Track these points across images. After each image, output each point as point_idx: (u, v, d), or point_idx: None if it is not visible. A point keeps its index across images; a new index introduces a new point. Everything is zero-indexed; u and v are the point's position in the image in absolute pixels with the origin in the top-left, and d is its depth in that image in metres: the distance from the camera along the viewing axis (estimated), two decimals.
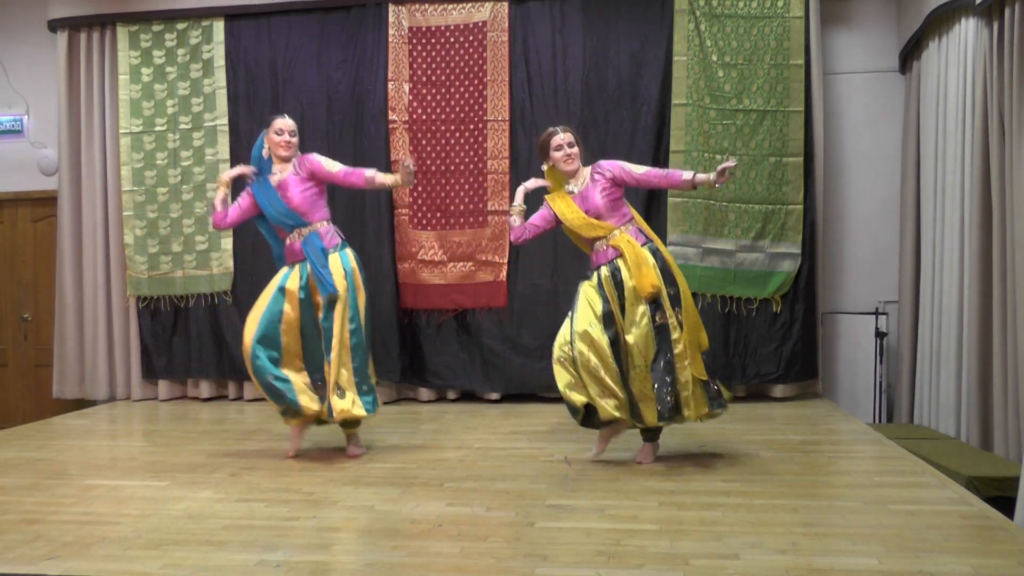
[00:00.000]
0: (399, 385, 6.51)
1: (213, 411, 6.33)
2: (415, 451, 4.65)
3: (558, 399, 6.14)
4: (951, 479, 3.82)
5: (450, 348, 6.43)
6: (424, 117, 6.42)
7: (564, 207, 4.31)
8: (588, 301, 4.17)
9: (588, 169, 4.35)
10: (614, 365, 4.06)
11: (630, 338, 4.04)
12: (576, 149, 4.30)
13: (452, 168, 6.39)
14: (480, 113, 6.36)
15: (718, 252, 6.12)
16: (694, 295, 6.06)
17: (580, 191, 4.30)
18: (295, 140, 4.54)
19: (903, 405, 5.97)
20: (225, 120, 6.62)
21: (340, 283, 4.37)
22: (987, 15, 4.78)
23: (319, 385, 4.46)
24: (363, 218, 6.40)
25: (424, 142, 6.42)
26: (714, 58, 6.11)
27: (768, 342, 6.10)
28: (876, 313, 6.08)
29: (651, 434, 4.25)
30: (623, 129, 6.21)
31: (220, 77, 6.63)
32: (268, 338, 4.41)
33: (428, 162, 6.41)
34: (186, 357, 6.76)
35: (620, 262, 4.16)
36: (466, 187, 6.37)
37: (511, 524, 3.23)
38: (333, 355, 4.30)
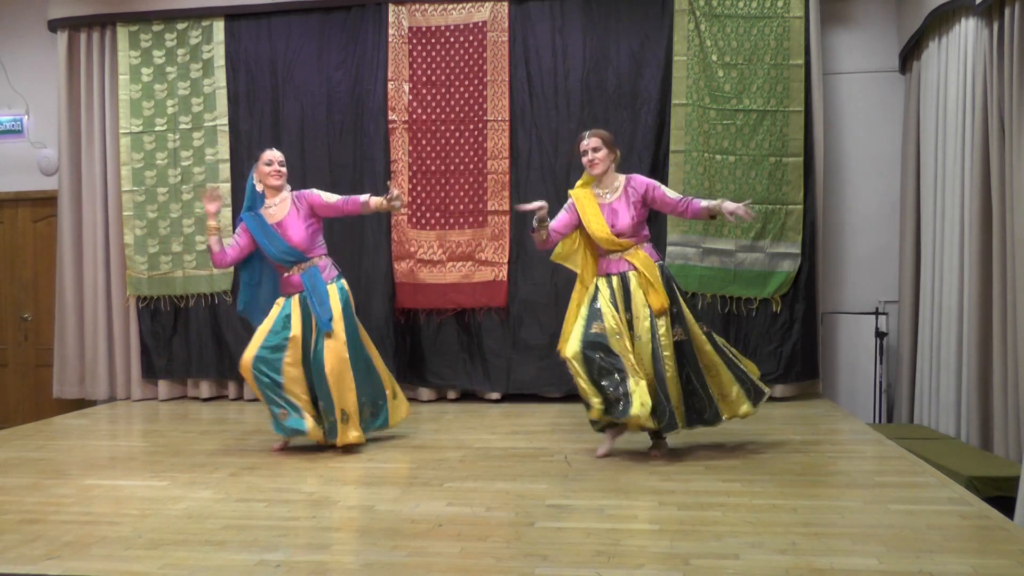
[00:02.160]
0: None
1: (213, 411, 6.33)
2: (415, 451, 4.65)
3: (558, 399, 6.20)
4: (951, 479, 3.81)
5: (450, 348, 6.43)
6: (424, 117, 6.42)
7: (591, 215, 4.33)
8: (604, 307, 4.22)
9: (623, 179, 4.37)
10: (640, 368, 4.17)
11: (638, 347, 4.16)
12: (602, 153, 4.32)
13: (452, 168, 6.39)
14: (480, 113, 6.36)
15: (718, 252, 6.12)
16: (694, 295, 6.12)
17: (611, 203, 4.32)
18: (284, 170, 4.65)
19: (903, 405, 5.97)
20: (225, 120, 6.62)
21: (337, 313, 4.53)
22: (987, 15, 4.78)
23: (321, 413, 4.60)
24: (361, 218, 6.39)
25: (424, 142, 6.42)
26: (714, 58, 6.11)
27: (768, 342, 6.09)
28: (876, 313, 6.08)
29: (659, 434, 4.33)
30: (623, 129, 6.21)
31: (220, 77, 6.63)
32: (269, 363, 4.52)
33: (428, 162, 6.41)
34: (186, 357, 6.76)
35: (632, 275, 4.24)
36: (466, 187, 6.37)
37: (511, 524, 3.23)
38: (331, 384, 4.46)
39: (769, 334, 6.10)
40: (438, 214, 6.41)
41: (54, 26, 6.90)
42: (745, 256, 6.11)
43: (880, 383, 5.96)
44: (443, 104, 6.42)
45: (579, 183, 4.47)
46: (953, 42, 5.30)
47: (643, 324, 4.17)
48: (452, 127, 6.40)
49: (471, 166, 6.37)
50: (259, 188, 4.63)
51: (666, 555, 2.82)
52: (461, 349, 6.43)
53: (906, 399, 5.94)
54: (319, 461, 4.42)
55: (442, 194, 6.41)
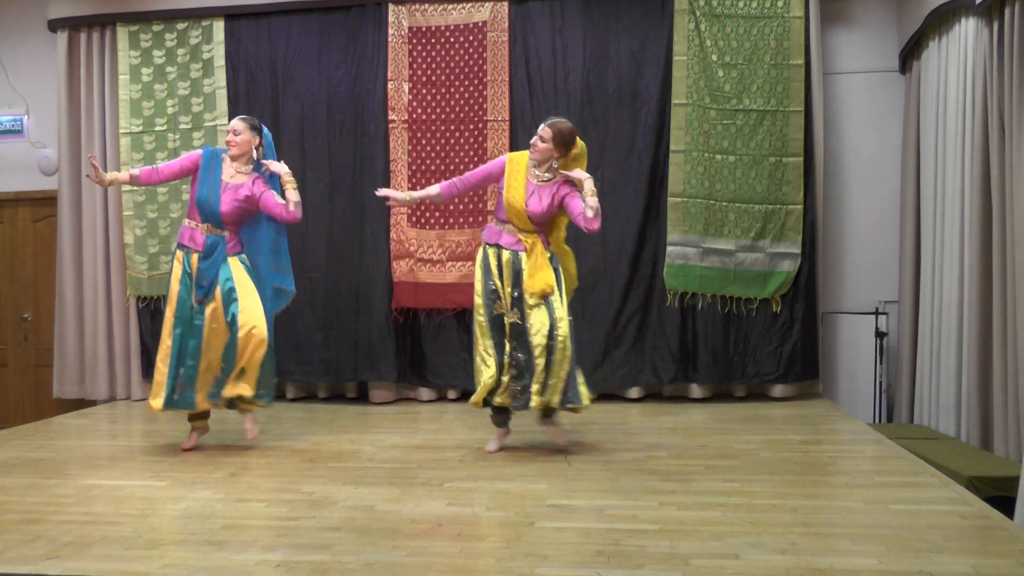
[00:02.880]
0: (399, 385, 6.50)
1: (213, 411, 6.31)
2: (415, 451, 4.65)
3: None
4: (951, 479, 3.82)
5: (450, 348, 6.43)
6: (424, 117, 6.42)
7: (515, 182, 4.44)
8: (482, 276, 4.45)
9: (559, 178, 4.42)
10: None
11: (529, 319, 4.30)
12: (545, 146, 4.38)
13: (452, 168, 6.38)
14: (480, 113, 6.36)
15: (718, 252, 6.12)
16: (694, 295, 6.13)
17: (537, 185, 4.42)
18: (238, 139, 4.68)
19: (903, 405, 5.98)
20: (225, 120, 6.60)
21: (244, 277, 4.61)
22: (987, 15, 4.78)
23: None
24: (362, 217, 6.41)
25: (424, 142, 6.42)
26: (714, 58, 6.11)
27: (768, 342, 6.09)
28: (876, 313, 6.08)
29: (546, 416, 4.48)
30: (623, 129, 6.21)
31: (220, 77, 6.63)
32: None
33: (428, 162, 6.41)
34: None
35: (523, 255, 4.38)
36: None
37: (511, 524, 3.23)
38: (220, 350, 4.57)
39: (769, 334, 6.10)
40: (437, 214, 6.41)
41: (54, 26, 6.90)
42: (745, 256, 6.10)
43: (880, 383, 5.96)
44: (443, 104, 6.42)
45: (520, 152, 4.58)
46: (953, 42, 5.30)
47: (533, 299, 4.31)
48: (452, 127, 6.40)
49: (471, 166, 6.35)
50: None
51: (666, 555, 2.82)
52: (461, 349, 6.42)
53: (906, 399, 5.94)
54: (319, 461, 4.42)
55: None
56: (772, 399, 6.17)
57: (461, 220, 6.38)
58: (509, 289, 4.37)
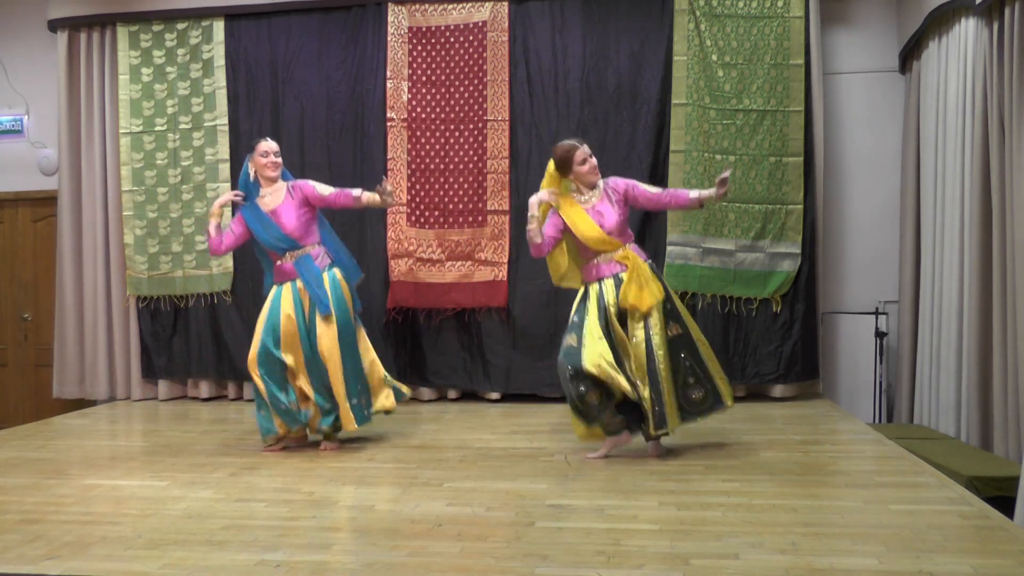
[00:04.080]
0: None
1: (213, 411, 6.33)
2: (415, 451, 4.65)
3: (558, 399, 6.18)
4: (951, 479, 3.81)
5: (450, 347, 6.43)
6: (423, 116, 6.42)
7: (577, 219, 4.31)
8: (594, 325, 4.23)
9: (600, 182, 4.38)
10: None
11: (633, 348, 4.17)
12: (593, 161, 4.35)
13: (451, 167, 6.39)
14: (480, 113, 6.36)
15: (718, 252, 6.12)
16: (694, 295, 6.13)
17: (595, 205, 4.33)
18: (280, 160, 4.72)
19: (903, 405, 5.97)
20: (225, 120, 6.62)
21: (330, 302, 4.60)
22: (987, 15, 4.78)
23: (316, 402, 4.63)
24: (361, 217, 6.40)
25: (423, 141, 6.42)
26: (714, 58, 6.11)
27: (768, 342, 6.09)
28: (876, 313, 6.08)
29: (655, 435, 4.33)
30: (623, 129, 6.21)
31: (220, 77, 6.63)
32: (268, 356, 4.57)
33: (427, 161, 6.41)
34: (186, 357, 6.76)
35: (624, 275, 4.23)
36: (465, 186, 6.37)
37: (511, 524, 3.23)
38: (330, 369, 4.54)
39: (769, 334, 6.09)
40: (437, 213, 6.41)
41: (54, 26, 6.90)
42: (745, 256, 6.10)
43: (880, 383, 5.96)
44: (443, 103, 6.42)
45: (548, 187, 4.39)
46: (953, 42, 5.30)
47: (637, 324, 4.18)
48: (452, 126, 6.40)
49: (471, 165, 6.37)
50: (252, 178, 4.70)
51: (666, 555, 2.82)
52: (461, 349, 6.43)
53: (906, 399, 5.94)
54: (319, 461, 4.42)
55: (441, 193, 6.40)
56: (772, 399, 6.17)
57: (460, 219, 6.38)
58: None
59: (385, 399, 4.78)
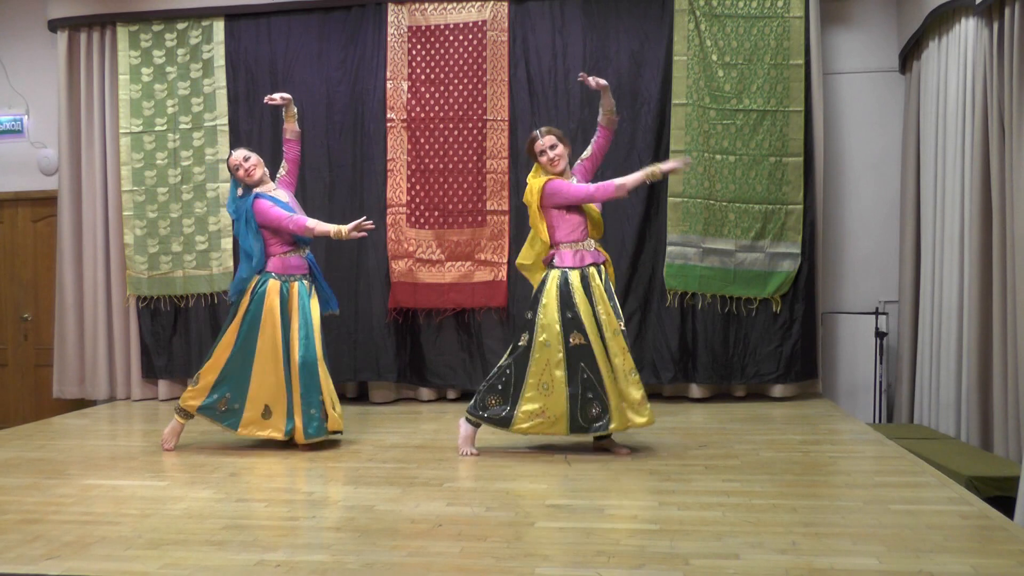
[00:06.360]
0: (399, 385, 6.51)
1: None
2: (415, 451, 4.65)
3: None
4: (951, 479, 3.82)
5: (450, 348, 6.43)
6: (423, 116, 6.42)
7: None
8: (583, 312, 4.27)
9: (573, 180, 4.44)
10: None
11: (611, 343, 4.24)
12: (560, 149, 4.36)
13: (451, 167, 6.39)
14: (480, 112, 6.35)
15: (718, 252, 6.12)
16: (694, 295, 6.13)
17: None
18: (254, 160, 4.71)
19: (903, 405, 5.98)
20: (225, 120, 6.62)
21: (317, 308, 4.71)
22: (987, 15, 4.78)
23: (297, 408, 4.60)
24: (360, 216, 6.37)
25: (423, 140, 6.41)
26: (714, 58, 6.10)
27: (768, 342, 6.09)
28: (876, 313, 6.08)
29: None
30: (623, 129, 6.19)
31: (220, 77, 6.63)
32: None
33: (427, 161, 6.41)
34: (186, 357, 6.75)
35: (603, 268, 4.37)
36: (464, 186, 6.37)
37: (511, 524, 3.23)
38: (321, 375, 4.61)
39: (769, 334, 6.10)
40: (436, 213, 6.41)
41: (54, 26, 6.90)
42: (745, 256, 6.10)
43: (880, 383, 5.96)
44: (442, 103, 6.41)
45: (534, 176, 4.44)
46: (953, 42, 5.30)
47: (608, 318, 4.26)
48: (451, 126, 6.40)
49: (470, 165, 6.37)
50: (240, 194, 4.70)
51: (666, 555, 2.82)
52: (461, 349, 6.43)
53: (906, 399, 5.94)
54: (319, 461, 4.42)
55: (440, 193, 6.40)
56: (772, 399, 6.17)
57: (460, 220, 6.37)
58: (604, 307, 4.26)
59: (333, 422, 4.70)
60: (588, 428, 4.25)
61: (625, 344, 4.28)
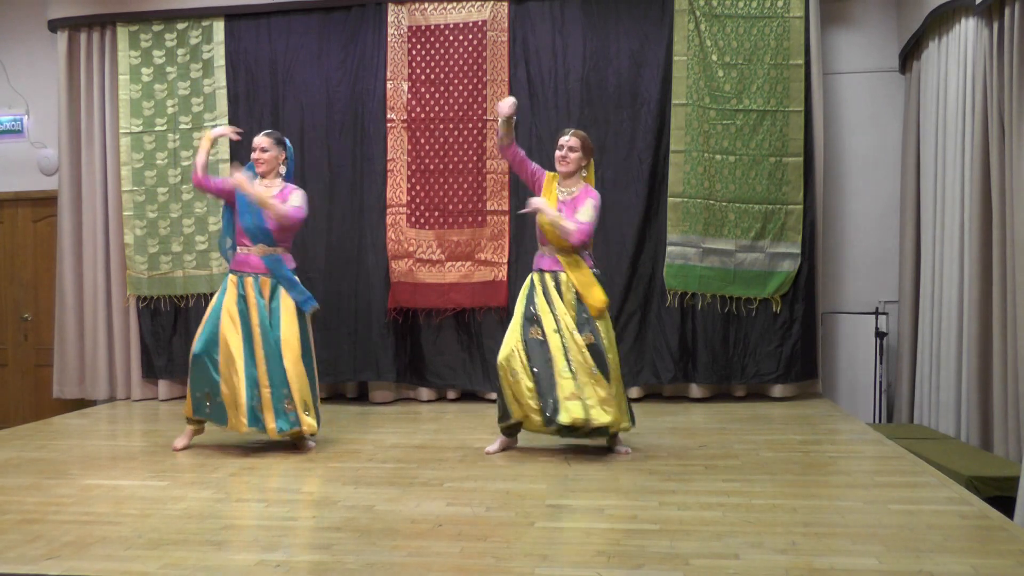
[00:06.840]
0: (399, 385, 6.51)
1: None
2: (415, 451, 4.65)
3: None
4: (951, 479, 3.82)
5: (450, 348, 6.43)
6: (423, 116, 6.42)
7: (549, 197, 4.41)
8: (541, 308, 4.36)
9: (583, 187, 4.43)
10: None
11: (567, 341, 4.26)
12: (576, 155, 4.38)
13: (451, 167, 6.39)
14: (480, 112, 6.35)
15: (718, 252, 6.12)
16: (693, 295, 6.13)
17: (566, 200, 4.40)
18: (266, 156, 4.69)
19: (903, 405, 5.98)
20: (225, 120, 6.61)
21: (292, 308, 4.63)
22: (987, 15, 4.78)
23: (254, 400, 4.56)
24: (361, 217, 6.41)
25: (423, 141, 6.41)
26: (714, 58, 6.11)
27: (768, 342, 6.09)
28: (876, 313, 6.08)
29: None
30: (623, 129, 6.21)
31: (220, 77, 6.63)
32: (211, 345, 4.61)
33: (427, 161, 6.41)
34: (186, 357, 6.66)
35: (563, 276, 4.36)
36: (464, 186, 6.37)
37: (511, 524, 3.23)
38: (292, 372, 4.52)
39: (769, 334, 6.10)
40: (436, 213, 6.41)
41: (54, 26, 6.90)
42: (745, 256, 6.11)
43: (880, 383, 5.96)
44: (442, 103, 6.41)
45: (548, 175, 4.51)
46: (953, 42, 5.30)
47: (567, 323, 4.28)
48: (451, 126, 6.40)
49: (470, 165, 6.37)
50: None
51: (666, 555, 2.82)
52: (461, 349, 6.43)
53: (906, 399, 5.94)
54: (319, 461, 4.42)
55: (440, 193, 6.40)
56: (772, 399, 6.17)
57: (460, 220, 6.38)
58: (564, 311, 4.31)
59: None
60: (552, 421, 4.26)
61: (586, 348, 4.25)
